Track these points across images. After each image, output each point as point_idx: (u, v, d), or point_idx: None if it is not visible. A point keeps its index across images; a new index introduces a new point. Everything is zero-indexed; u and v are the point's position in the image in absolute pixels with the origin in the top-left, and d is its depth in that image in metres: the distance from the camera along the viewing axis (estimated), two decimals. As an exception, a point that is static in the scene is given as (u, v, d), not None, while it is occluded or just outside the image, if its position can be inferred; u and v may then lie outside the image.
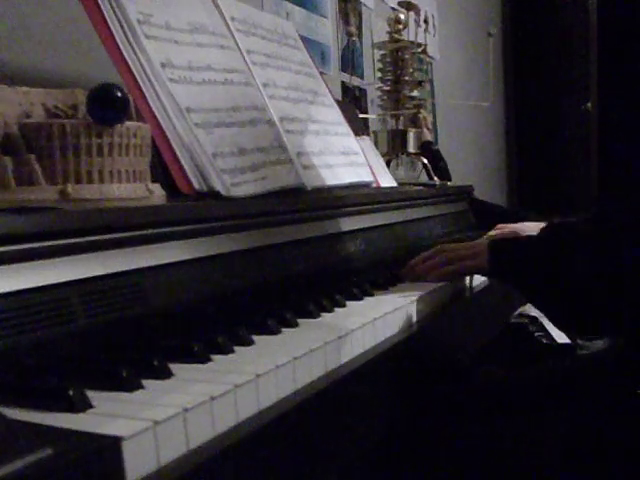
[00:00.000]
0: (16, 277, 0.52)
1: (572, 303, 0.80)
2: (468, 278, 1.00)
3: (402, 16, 1.73)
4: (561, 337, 1.37)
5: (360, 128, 1.50)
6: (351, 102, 2.06)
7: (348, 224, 1.01)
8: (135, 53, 0.83)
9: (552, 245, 0.84)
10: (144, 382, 0.49)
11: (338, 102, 1.29)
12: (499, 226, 1.38)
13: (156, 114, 0.82)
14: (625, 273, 0.75)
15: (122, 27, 0.83)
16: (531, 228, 1.32)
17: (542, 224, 1.29)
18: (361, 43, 2.21)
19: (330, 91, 1.26)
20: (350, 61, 2.14)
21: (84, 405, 0.44)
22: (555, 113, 3.76)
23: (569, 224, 0.86)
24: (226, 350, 0.58)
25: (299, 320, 0.69)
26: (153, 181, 0.78)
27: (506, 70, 3.83)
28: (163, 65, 0.85)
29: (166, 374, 0.51)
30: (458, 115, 3.08)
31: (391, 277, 0.94)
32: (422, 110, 1.80)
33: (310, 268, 0.89)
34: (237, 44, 1.03)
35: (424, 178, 1.72)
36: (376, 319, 0.72)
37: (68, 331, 0.55)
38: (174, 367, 0.52)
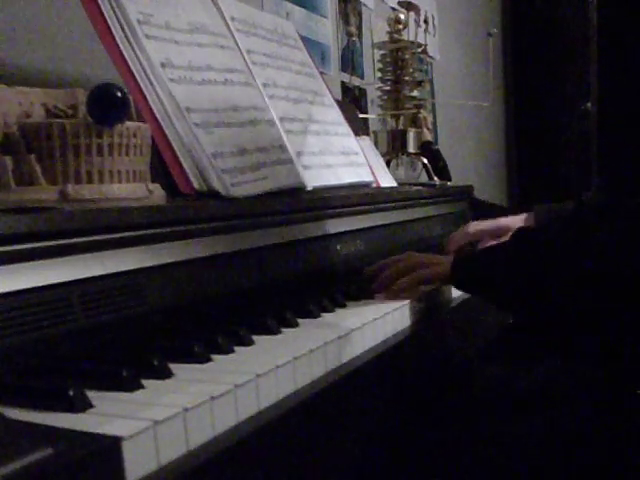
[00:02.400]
0: (16, 277, 0.52)
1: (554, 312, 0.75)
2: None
3: (402, 16, 1.73)
4: (561, 337, 1.36)
5: (360, 128, 1.50)
6: (351, 102, 2.06)
7: (348, 224, 1.01)
8: (135, 53, 0.83)
9: (522, 253, 0.77)
10: (144, 382, 0.49)
11: (338, 102, 1.29)
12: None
13: (156, 114, 0.82)
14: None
15: (122, 27, 0.83)
16: (507, 222, 1.29)
17: (518, 217, 1.26)
18: (361, 43, 2.21)
19: (330, 91, 1.26)
20: (350, 61, 2.14)
21: (84, 405, 0.44)
22: (555, 113, 3.75)
23: (542, 230, 0.83)
24: (226, 350, 0.58)
25: (299, 320, 0.69)
26: (153, 181, 0.78)
27: (506, 70, 3.83)
28: (163, 65, 0.85)
29: (166, 374, 0.51)
30: (458, 115, 3.08)
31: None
32: (422, 110, 1.79)
33: (310, 268, 0.89)
34: (237, 44, 1.03)
35: (424, 178, 1.72)
36: (376, 319, 0.72)
37: (68, 331, 0.55)
38: (174, 367, 0.52)
